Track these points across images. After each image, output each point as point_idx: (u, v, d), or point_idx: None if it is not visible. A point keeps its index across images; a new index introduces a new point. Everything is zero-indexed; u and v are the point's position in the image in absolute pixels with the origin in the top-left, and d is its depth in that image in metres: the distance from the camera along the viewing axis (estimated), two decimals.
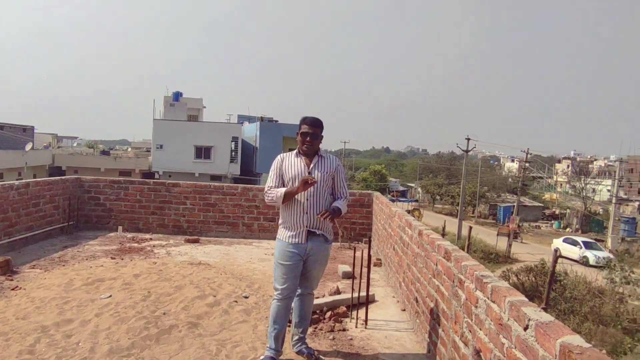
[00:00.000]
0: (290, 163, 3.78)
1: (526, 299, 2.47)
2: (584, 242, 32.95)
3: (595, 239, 38.89)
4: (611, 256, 29.77)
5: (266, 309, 4.94)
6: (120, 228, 8.78)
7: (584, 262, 30.09)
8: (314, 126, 3.74)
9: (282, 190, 3.69)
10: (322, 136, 3.81)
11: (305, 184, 3.55)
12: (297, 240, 3.69)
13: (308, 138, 3.72)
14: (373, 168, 61.62)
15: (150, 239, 8.38)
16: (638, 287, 20.20)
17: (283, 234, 3.76)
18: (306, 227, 3.69)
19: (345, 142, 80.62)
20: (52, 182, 8.17)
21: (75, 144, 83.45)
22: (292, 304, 3.84)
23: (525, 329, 2.22)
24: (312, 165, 3.75)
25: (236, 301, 5.13)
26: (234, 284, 5.79)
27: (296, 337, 3.89)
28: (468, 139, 40.33)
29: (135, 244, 7.84)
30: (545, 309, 2.48)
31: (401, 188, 68.73)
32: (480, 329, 2.81)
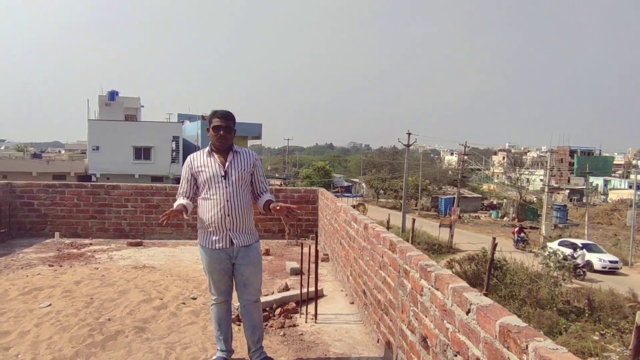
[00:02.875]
0: (203, 164, 3.51)
1: (468, 285, 2.58)
2: (584, 245, 28.62)
3: (531, 227, 40.85)
4: (617, 259, 27.85)
5: None
6: (57, 234, 8.41)
7: (589, 268, 26.72)
8: (227, 119, 3.49)
9: (175, 204, 3.49)
10: (235, 130, 3.57)
11: (175, 215, 3.33)
12: (222, 244, 3.48)
13: (222, 132, 3.46)
14: (317, 165, 62.00)
15: (90, 244, 8.09)
16: (570, 270, 21.48)
17: (205, 239, 3.52)
18: (229, 229, 3.47)
19: (288, 139, 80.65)
20: None
21: (2, 147, 78.95)
22: (240, 315, 3.70)
23: (468, 313, 2.33)
24: (227, 164, 3.50)
25: (184, 303, 5.05)
26: (180, 285, 5.70)
27: (253, 349, 3.63)
28: (409, 134, 41.34)
29: (75, 250, 7.55)
30: (486, 295, 2.60)
31: (345, 184, 69.55)
32: (426, 316, 2.91)
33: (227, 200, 3.47)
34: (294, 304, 5.00)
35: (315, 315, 4.76)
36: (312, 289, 5.05)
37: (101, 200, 8.68)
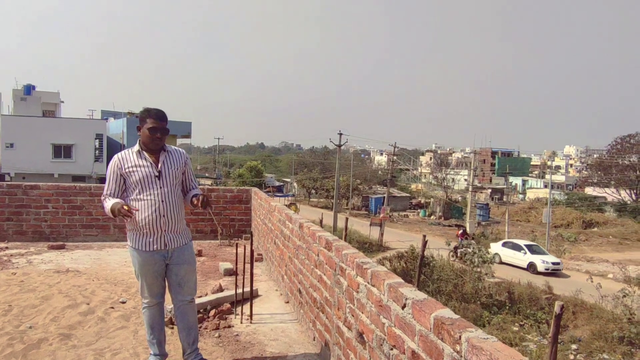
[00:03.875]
0: (134, 164, 3.37)
1: (403, 281, 2.66)
2: (528, 246, 28.38)
3: (456, 224, 42.54)
4: (559, 261, 27.56)
5: None
6: None
7: (532, 270, 26.65)
8: (163, 120, 3.38)
9: (110, 204, 3.29)
10: (169, 130, 3.47)
11: (126, 214, 3.18)
12: (156, 246, 3.37)
13: (158, 134, 3.35)
14: (249, 164, 61.48)
15: (7, 247, 7.58)
16: (491, 264, 22.63)
17: (138, 241, 3.38)
18: (164, 230, 3.38)
19: (219, 139, 79.49)
20: None
21: None
22: (174, 317, 3.60)
23: (403, 307, 2.40)
24: (160, 164, 3.40)
25: (112, 307, 4.86)
26: (108, 289, 5.47)
27: (189, 351, 3.54)
28: (340, 134, 41.90)
29: None
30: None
31: (277, 183, 69.42)
32: (362, 312, 2.97)
33: (162, 201, 3.37)
34: (228, 305, 4.94)
35: (251, 315, 4.73)
36: (247, 289, 5.01)
37: (18, 201, 8.15)
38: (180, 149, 3.60)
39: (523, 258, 27.68)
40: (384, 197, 44.61)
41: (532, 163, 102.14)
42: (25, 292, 5.19)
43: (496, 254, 28.42)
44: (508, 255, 28.65)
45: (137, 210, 3.32)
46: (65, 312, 4.62)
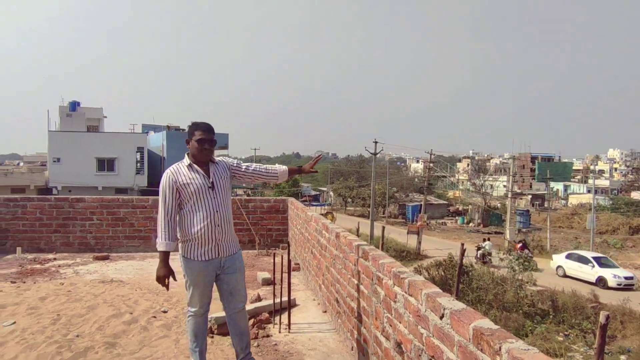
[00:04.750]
0: (187, 177, 3.47)
1: (440, 291, 2.64)
2: (596, 259, 26.00)
3: (495, 232, 41.65)
4: (632, 275, 25.22)
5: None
6: (19, 249, 8.15)
7: (602, 285, 24.38)
8: (211, 132, 3.53)
9: (162, 246, 3.41)
10: (216, 141, 3.62)
11: (162, 284, 3.42)
12: (210, 255, 3.48)
13: (206, 145, 3.49)
14: None
15: (55, 258, 7.87)
16: (534, 271, 21.99)
17: (193, 252, 3.47)
18: (218, 240, 3.49)
19: (255, 149, 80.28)
20: None
21: None
22: (227, 325, 3.71)
23: (441, 317, 2.39)
24: (211, 175, 3.53)
25: (155, 316, 4.98)
26: (150, 299, 5.61)
27: (242, 355, 3.65)
28: (376, 142, 41.72)
29: (38, 265, 7.34)
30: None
31: (313, 192, 69.65)
32: (400, 322, 2.96)
33: (217, 211, 3.49)
34: (267, 314, 4.99)
35: (289, 324, 4.76)
36: (284, 298, 5.05)
37: (65, 214, 8.47)
38: (223, 159, 3.75)
39: (591, 272, 25.48)
40: (421, 204, 44.13)
41: (574, 167, 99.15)
42: (72, 302, 5.38)
43: (559, 266, 27.08)
44: (573, 268, 26.51)
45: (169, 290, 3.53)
46: (110, 321, 4.77)
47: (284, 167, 3.92)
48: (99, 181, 36.47)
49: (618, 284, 24.19)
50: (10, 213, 8.31)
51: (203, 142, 3.48)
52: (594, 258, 26.19)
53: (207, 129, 3.52)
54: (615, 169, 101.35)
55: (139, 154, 38.20)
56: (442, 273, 21.71)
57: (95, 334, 4.44)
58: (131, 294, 5.76)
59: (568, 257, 27.52)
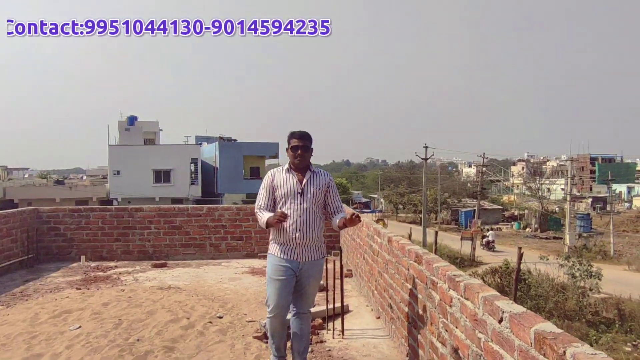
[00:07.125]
0: (282, 179, 3.73)
1: (498, 294, 2.56)
2: None
3: (554, 237, 40.07)
4: None
5: (241, 328, 4.92)
6: (83, 258, 8.54)
7: None
8: (304, 139, 3.72)
9: (265, 217, 3.63)
10: (312, 149, 3.79)
11: (279, 219, 3.52)
12: (289, 256, 3.65)
13: (299, 151, 3.68)
14: (335, 182, 61.97)
15: (116, 266, 8.19)
16: (599, 279, 20.87)
17: (275, 248, 3.72)
18: (298, 244, 3.64)
19: None
20: (7, 215, 7.89)
21: (27, 175, 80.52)
22: (290, 326, 3.79)
23: (500, 321, 2.31)
24: (304, 181, 3.71)
25: (211, 322, 5.08)
26: (206, 305, 5.73)
27: (298, 359, 3.76)
28: (426, 147, 41.13)
29: (101, 273, 7.65)
30: None
31: (364, 199, 69.37)
32: (457, 327, 2.89)
33: (300, 217, 3.65)
34: (320, 320, 4.99)
35: (342, 330, 4.74)
36: (337, 304, 5.04)
37: (125, 223, 8.81)
38: (325, 172, 3.90)
39: None
40: (474, 210, 43.12)
41: (637, 168, 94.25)
42: (132, 307, 5.57)
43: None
44: None
45: (289, 216, 3.60)
46: (168, 326, 4.90)
47: (336, 223, 3.77)
48: (156, 192, 37.78)
49: None
50: (75, 223, 8.72)
51: (296, 149, 3.69)
52: None
53: (300, 136, 3.73)
54: None
55: (193, 165, 39.33)
56: (498, 280, 21.06)
57: (155, 339, 4.57)
58: (188, 300, 5.90)
59: None
